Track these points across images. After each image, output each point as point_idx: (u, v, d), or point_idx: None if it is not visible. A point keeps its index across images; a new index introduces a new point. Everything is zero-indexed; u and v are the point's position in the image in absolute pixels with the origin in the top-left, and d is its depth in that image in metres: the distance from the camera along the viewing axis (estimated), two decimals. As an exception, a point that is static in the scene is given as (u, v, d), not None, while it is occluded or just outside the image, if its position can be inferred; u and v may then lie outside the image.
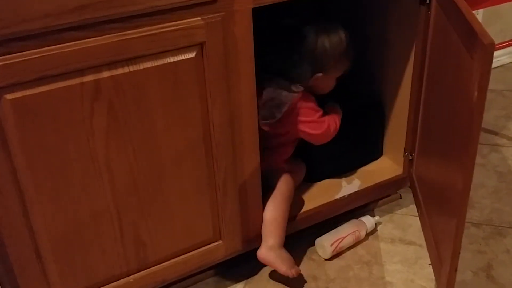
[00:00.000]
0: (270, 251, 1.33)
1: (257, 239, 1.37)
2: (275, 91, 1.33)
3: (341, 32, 1.36)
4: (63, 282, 1.15)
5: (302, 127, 1.38)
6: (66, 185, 1.06)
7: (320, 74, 1.35)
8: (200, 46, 1.07)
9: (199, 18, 1.05)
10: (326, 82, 1.40)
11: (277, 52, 1.34)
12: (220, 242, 1.31)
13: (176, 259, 1.27)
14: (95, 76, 1.00)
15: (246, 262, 1.45)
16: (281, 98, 1.32)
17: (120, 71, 1.02)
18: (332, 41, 1.34)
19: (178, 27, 1.03)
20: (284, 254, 1.35)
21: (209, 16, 1.05)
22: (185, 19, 1.04)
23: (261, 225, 1.35)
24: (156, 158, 1.13)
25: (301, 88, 1.34)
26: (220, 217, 1.28)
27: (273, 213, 1.35)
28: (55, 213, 1.07)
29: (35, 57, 0.93)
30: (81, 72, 0.98)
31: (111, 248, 1.17)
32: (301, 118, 1.37)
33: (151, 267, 1.24)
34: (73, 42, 0.96)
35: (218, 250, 1.32)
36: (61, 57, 0.95)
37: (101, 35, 0.98)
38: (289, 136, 1.42)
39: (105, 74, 1.00)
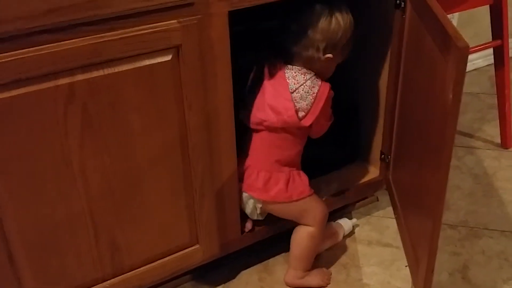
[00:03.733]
0: (295, 278, 1.42)
1: (235, 243, 1.36)
2: (303, 77, 1.29)
3: (349, 14, 1.30)
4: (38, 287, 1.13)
5: (323, 117, 1.35)
6: (39, 189, 1.04)
7: (331, 55, 1.29)
8: (176, 49, 1.07)
9: (175, 21, 1.04)
10: (331, 65, 1.35)
11: (290, 32, 1.29)
12: (197, 246, 1.31)
13: (153, 264, 1.26)
14: (70, 79, 0.99)
15: (224, 266, 1.44)
16: (308, 84, 1.28)
17: (95, 74, 1.01)
18: (344, 19, 1.28)
19: (154, 29, 1.03)
20: (313, 272, 1.43)
21: (185, 19, 1.05)
22: (161, 21, 1.03)
23: (238, 229, 1.36)
24: (132, 162, 1.12)
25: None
26: (197, 221, 1.27)
27: (301, 250, 1.41)
28: (28, 218, 1.06)
29: (8, 60, 0.92)
30: (55, 75, 0.97)
31: (86, 253, 1.16)
32: (327, 109, 1.35)
33: (126, 272, 1.23)
34: (48, 45, 0.95)
35: (195, 254, 1.31)
36: (35, 60, 0.94)
37: (76, 38, 0.97)
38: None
39: (80, 77, 0.99)
